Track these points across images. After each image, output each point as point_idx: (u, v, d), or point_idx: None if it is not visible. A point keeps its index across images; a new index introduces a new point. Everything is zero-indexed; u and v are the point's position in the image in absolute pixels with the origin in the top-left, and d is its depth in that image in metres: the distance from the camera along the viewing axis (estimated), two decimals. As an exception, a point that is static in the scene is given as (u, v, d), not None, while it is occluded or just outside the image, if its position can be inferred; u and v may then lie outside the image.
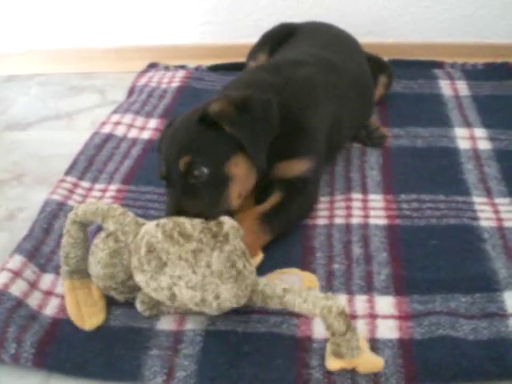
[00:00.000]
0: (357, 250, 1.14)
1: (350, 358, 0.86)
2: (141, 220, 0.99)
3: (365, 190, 1.31)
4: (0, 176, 1.48)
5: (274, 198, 1.18)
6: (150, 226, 0.94)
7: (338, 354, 0.87)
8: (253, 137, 1.10)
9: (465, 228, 1.17)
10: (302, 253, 1.14)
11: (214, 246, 0.89)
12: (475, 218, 1.20)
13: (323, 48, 1.44)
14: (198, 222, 0.92)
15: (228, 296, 0.88)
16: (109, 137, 1.53)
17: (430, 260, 1.10)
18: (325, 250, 1.14)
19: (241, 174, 1.12)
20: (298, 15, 1.88)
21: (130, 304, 1.01)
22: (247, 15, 1.97)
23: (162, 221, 0.94)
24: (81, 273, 1.03)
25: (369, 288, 1.05)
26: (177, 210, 1.04)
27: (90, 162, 1.44)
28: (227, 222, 0.92)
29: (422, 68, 1.85)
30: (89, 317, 0.99)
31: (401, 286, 1.05)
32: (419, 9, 1.92)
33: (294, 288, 0.91)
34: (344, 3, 1.91)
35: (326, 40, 1.51)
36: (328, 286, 1.05)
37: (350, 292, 1.04)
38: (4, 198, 1.39)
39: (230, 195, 1.10)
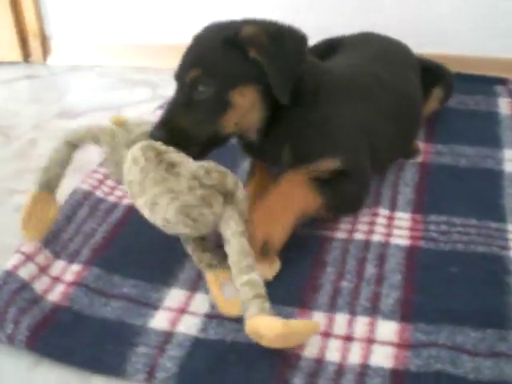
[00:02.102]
0: (370, 269, 1.08)
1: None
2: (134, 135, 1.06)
3: (393, 207, 1.25)
4: (42, 162, 1.52)
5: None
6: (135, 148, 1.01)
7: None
8: (280, 68, 1.06)
9: (492, 257, 1.09)
10: (311, 266, 1.09)
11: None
12: (505, 248, 1.11)
13: (370, 61, 1.37)
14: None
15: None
16: (149, 131, 1.55)
17: (445, 288, 1.03)
18: (337, 265, 1.09)
19: (244, 105, 1.09)
20: (355, 24, 1.82)
21: (131, 299, 1.02)
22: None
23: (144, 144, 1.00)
24: (51, 189, 1.11)
25: (373, 310, 0.99)
26: (168, 118, 1.07)
27: (126, 154, 1.45)
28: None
29: (483, 83, 1.75)
30: (33, 229, 1.10)
31: (408, 312, 0.98)
32: (485, 21, 1.81)
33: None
34: (404, 11, 1.83)
35: (374, 53, 1.43)
36: (331, 303, 1.01)
37: (353, 312, 0.99)
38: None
39: (224, 121, 1.09)
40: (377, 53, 1.43)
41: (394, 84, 1.33)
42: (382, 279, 1.06)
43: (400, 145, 1.37)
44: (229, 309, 0.98)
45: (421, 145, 1.47)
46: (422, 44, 1.70)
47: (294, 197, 1.09)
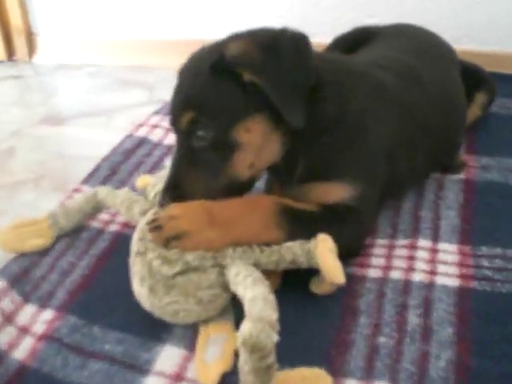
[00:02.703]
0: (413, 319, 0.87)
1: None
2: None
3: (436, 237, 1.04)
4: (19, 177, 1.31)
5: (309, 206, 0.93)
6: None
7: None
8: (284, 87, 0.86)
9: None
10: (340, 315, 0.88)
11: None
12: None
13: (407, 54, 1.16)
14: None
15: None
16: (142, 141, 1.35)
17: (508, 346, 0.82)
18: (372, 314, 0.89)
19: (254, 141, 0.89)
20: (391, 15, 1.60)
21: (114, 359, 0.83)
22: (324, 11, 1.72)
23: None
24: (56, 225, 1.05)
25: (421, 376, 0.79)
26: (173, 182, 0.89)
27: (114, 170, 1.26)
28: None
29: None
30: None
31: (464, 380, 0.78)
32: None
33: None
34: (437, 3, 1.61)
35: (411, 45, 1.22)
36: (367, 367, 0.80)
37: (395, 381, 0.78)
38: (16, 203, 1.23)
39: (236, 166, 0.89)
40: (416, 46, 1.21)
41: (436, 83, 1.12)
42: (430, 334, 0.85)
43: (440, 156, 1.15)
44: (203, 375, 0.79)
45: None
46: (455, 39, 1.47)
47: (250, 218, 0.87)
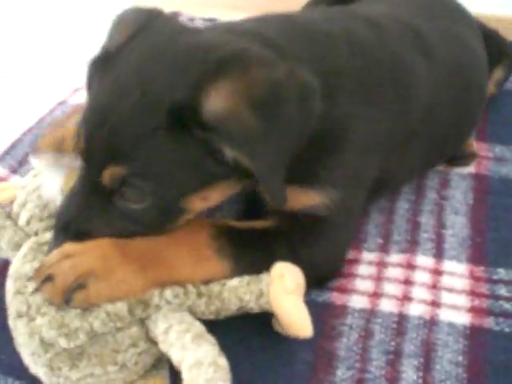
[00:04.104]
0: (410, 374, 0.65)
1: None
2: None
3: (439, 252, 0.81)
4: None
5: (259, 223, 0.70)
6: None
7: None
8: (276, 164, 0.60)
9: None
10: (312, 363, 0.65)
11: None
12: None
13: (413, 11, 0.90)
14: None
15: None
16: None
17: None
18: (354, 363, 0.66)
19: (209, 206, 0.65)
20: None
21: None
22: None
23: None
24: None
25: None
26: (69, 221, 0.62)
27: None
28: None
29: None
30: None
31: None
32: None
33: None
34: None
35: (419, 2, 0.95)
36: None
37: None
38: None
39: (174, 226, 0.64)
40: (423, 2, 0.95)
41: (446, 50, 0.86)
42: (431, 397, 0.62)
43: (447, 145, 0.91)
44: None
45: (471, 145, 1.01)
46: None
47: (177, 250, 0.63)
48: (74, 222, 0.61)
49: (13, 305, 0.59)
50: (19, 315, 0.57)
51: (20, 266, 0.60)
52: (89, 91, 0.68)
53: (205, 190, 0.62)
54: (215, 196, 0.64)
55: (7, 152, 0.98)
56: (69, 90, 1.17)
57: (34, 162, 0.72)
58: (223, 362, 0.54)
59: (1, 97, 1.33)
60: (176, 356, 0.55)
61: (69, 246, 0.60)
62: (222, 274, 0.63)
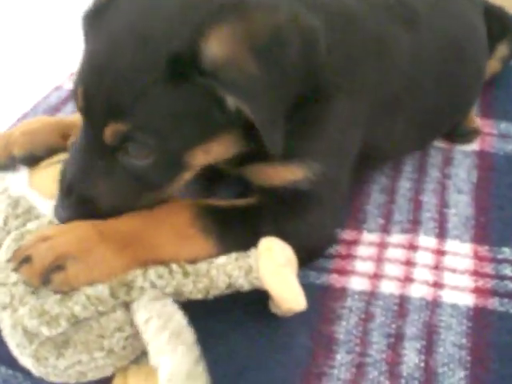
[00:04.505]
0: (412, 357, 0.63)
1: None
2: None
3: (442, 232, 0.79)
4: None
5: (243, 201, 0.69)
6: None
7: None
8: (275, 109, 0.59)
9: None
10: (310, 347, 0.63)
11: None
12: None
13: None
14: None
15: None
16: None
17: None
18: (354, 346, 0.64)
19: (209, 161, 0.64)
20: None
21: None
22: None
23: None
24: None
25: None
26: (74, 185, 0.61)
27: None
28: None
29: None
30: None
31: None
32: None
33: None
34: None
35: None
36: None
37: None
38: None
39: (174, 185, 0.64)
40: None
41: (434, 20, 0.83)
42: (434, 379, 0.60)
43: (443, 119, 0.90)
44: None
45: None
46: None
47: (160, 229, 0.61)
48: (77, 185, 0.60)
49: None
50: (3, 307, 0.56)
51: (3, 257, 0.59)
52: (84, 47, 0.66)
53: (208, 142, 0.60)
54: (217, 149, 0.62)
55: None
56: (65, 74, 1.15)
57: None
58: (200, 370, 0.52)
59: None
60: (153, 358, 0.53)
61: (47, 229, 0.58)
62: (208, 252, 0.61)
